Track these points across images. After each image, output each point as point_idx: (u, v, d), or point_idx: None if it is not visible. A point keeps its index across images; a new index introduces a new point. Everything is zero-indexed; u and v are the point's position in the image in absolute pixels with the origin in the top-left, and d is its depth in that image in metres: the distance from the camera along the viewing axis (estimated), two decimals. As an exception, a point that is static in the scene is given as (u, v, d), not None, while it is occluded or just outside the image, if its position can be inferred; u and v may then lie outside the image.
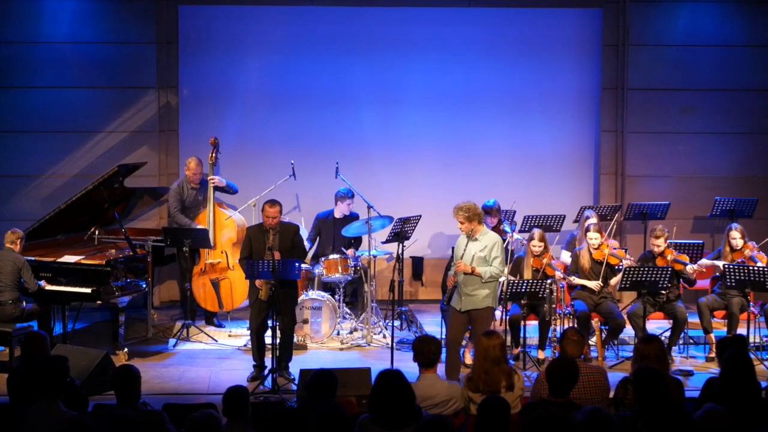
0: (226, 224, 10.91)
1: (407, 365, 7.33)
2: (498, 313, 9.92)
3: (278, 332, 8.94)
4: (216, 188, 10.93)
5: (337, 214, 11.20)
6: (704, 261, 10.22)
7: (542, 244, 9.76)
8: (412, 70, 12.30)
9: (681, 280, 9.88)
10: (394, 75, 12.30)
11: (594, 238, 9.84)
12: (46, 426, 5.66)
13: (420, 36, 12.27)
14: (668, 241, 9.86)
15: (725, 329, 9.89)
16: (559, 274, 9.78)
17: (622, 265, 9.85)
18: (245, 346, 10.11)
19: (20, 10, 11.73)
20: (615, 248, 10.08)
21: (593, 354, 9.79)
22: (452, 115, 12.38)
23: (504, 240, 10.17)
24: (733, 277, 9.58)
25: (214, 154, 10.94)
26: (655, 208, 11.62)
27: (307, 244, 11.02)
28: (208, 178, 10.86)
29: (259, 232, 9.16)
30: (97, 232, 10.66)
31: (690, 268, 9.76)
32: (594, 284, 9.82)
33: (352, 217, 11.14)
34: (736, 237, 10.07)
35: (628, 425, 5.46)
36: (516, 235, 10.44)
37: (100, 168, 11.31)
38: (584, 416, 5.15)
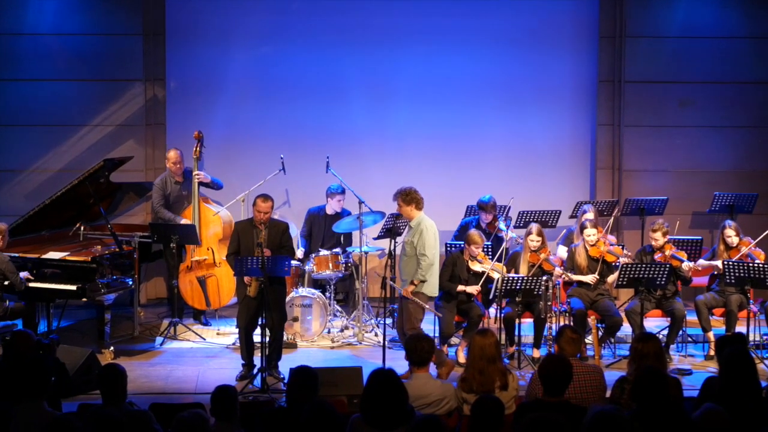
0: (212, 220, 10.78)
1: (399, 364, 7.24)
2: (492, 311, 9.84)
3: (267, 330, 8.82)
4: (201, 184, 10.78)
5: (329, 211, 11.09)
6: (701, 262, 10.10)
7: (540, 239, 9.67)
8: (403, 62, 12.19)
9: (677, 277, 9.75)
10: (386, 67, 12.18)
11: (590, 234, 9.71)
12: (30, 426, 5.62)
13: (412, 26, 12.14)
14: (668, 236, 9.73)
15: (724, 327, 9.75)
16: (558, 270, 9.64)
17: (619, 263, 9.71)
18: (233, 344, 10.01)
19: (3, 1, 11.59)
20: (612, 244, 9.95)
21: (589, 352, 9.65)
22: (445, 107, 12.26)
23: (500, 237, 10.08)
24: (732, 274, 9.45)
25: (198, 149, 10.80)
26: (653, 203, 11.51)
27: (300, 241, 10.91)
28: (194, 173, 10.71)
29: (248, 226, 9.06)
30: (82, 228, 10.53)
31: (686, 265, 9.64)
32: (590, 277, 9.72)
33: (344, 215, 10.98)
34: (731, 235, 9.94)
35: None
36: (511, 234, 10.28)
37: (85, 162, 11.18)
38: (592, 418, 4.99)
